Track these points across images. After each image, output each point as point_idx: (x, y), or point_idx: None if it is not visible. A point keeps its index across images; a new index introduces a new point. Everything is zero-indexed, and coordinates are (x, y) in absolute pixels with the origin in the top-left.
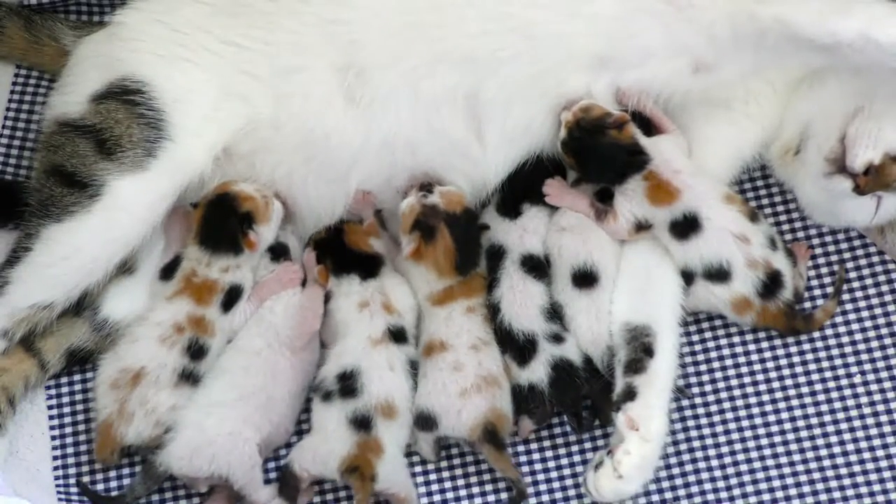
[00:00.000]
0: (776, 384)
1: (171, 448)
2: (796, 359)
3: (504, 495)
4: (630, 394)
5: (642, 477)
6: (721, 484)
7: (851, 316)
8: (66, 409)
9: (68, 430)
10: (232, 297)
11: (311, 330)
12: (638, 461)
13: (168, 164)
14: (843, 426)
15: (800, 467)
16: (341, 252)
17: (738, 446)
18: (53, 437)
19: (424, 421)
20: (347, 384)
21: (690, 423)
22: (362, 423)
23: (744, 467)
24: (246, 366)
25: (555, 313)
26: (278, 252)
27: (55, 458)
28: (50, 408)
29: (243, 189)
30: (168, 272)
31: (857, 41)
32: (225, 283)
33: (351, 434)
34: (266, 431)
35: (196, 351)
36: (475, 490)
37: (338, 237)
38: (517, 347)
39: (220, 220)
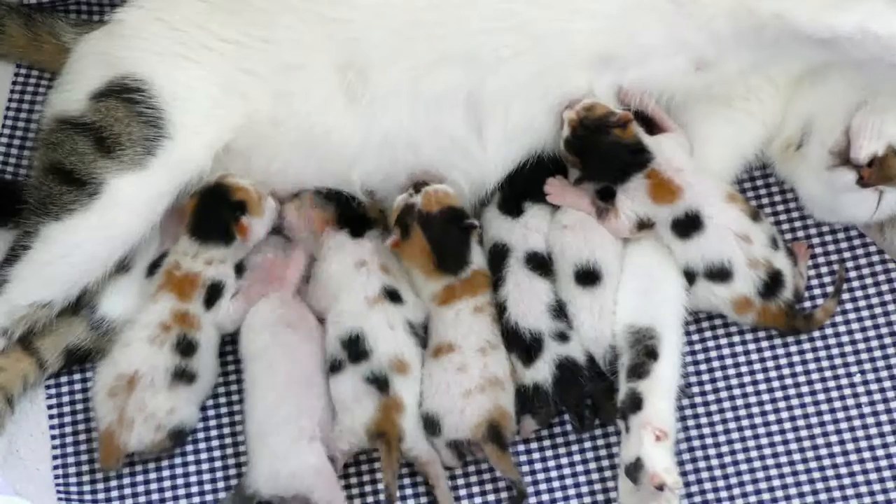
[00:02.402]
0: (776, 384)
1: (255, 472)
2: (796, 359)
3: (504, 495)
4: (636, 400)
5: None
6: (721, 484)
7: (851, 316)
8: (66, 409)
9: (68, 429)
10: (213, 295)
11: (295, 275)
12: (673, 467)
13: (167, 162)
14: (843, 426)
15: (800, 467)
16: (342, 205)
17: (738, 446)
18: (53, 437)
19: (428, 424)
20: (355, 349)
21: (690, 422)
22: (379, 383)
23: (744, 467)
24: (266, 366)
25: (561, 311)
26: (241, 269)
27: (55, 457)
28: (50, 407)
29: (238, 181)
30: (154, 269)
31: (856, 35)
32: (206, 278)
33: (370, 396)
34: (318, 411)
35: (186, 347)
36: (475, 490)
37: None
38: (524, 346)
39: (212, 208)
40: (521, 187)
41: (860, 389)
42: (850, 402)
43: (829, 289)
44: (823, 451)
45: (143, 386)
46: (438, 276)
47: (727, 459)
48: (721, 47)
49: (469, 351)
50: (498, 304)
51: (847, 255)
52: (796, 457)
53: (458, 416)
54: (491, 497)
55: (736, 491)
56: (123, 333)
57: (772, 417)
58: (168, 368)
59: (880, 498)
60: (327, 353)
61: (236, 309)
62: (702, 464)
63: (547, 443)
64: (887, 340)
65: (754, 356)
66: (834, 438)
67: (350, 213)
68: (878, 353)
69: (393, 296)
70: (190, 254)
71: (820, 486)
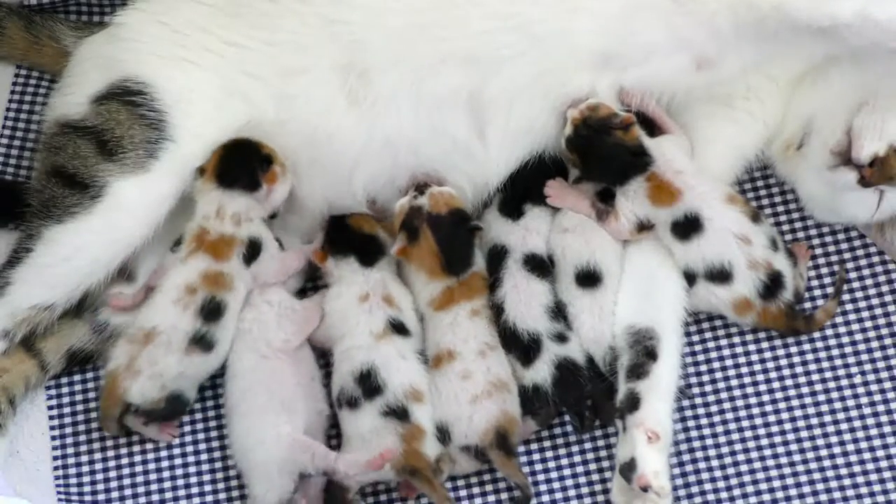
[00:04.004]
0: (776, 384)
1: (257, 488)
2: (796, 359)
3: (504, 496)
4: (633, 400)
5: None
6: (721, 484)
7: (851, 316)
8: (66, 410)
9: (68, 430)
10: (254, 251)
11: (311, 327)
12: (664, 471)
13: (169, 165)
14: (843, 426)
15: (800, 467)
16: (341, 232)
17: (738, 446)
18: (53, 438)
19: (437, 433)
20: (368, 384)
21: (690, 423)
22: (398, 414)
23: (744, 467)
24: (244, 388)
25: (559, 312)
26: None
27: (55, 458)
28: (50, 408)
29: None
30: (178, 244)
31: (856, 21)
32: (242, 235)
33: (390, 429)
34: (301, 422)
35: (212, 310)
36: (475, 490)
37: (342, 220)
38: (522, 347)
39: (242, 156)
40: (522, 189)
41: (860, 390)
42: (850, 402)
43: (830, 290)
44: (823, 452)
45: (158, 343)
46: (441, 277)
47: (727, 460)
48: (722, 44)
49: (469, 356)
50: (496, 305)
51: (847, 255)
52: (796, 457)
53: (466, 423)
54: (491, 498)
55: (736, 491)
56: (151, 295)
57: (772, 418)
58: (187, 332)
59: (880, 498)
60: (338, 386)
61: (275, 264)
62: (702, 464)
63: (547, 443)
64: (887, 341)
65: (754, 357)
66: (834, 439)
67: (356, 237)
68: (878, 354)
69: (399, 328)
70: (212, 214)
71: (820, 486)
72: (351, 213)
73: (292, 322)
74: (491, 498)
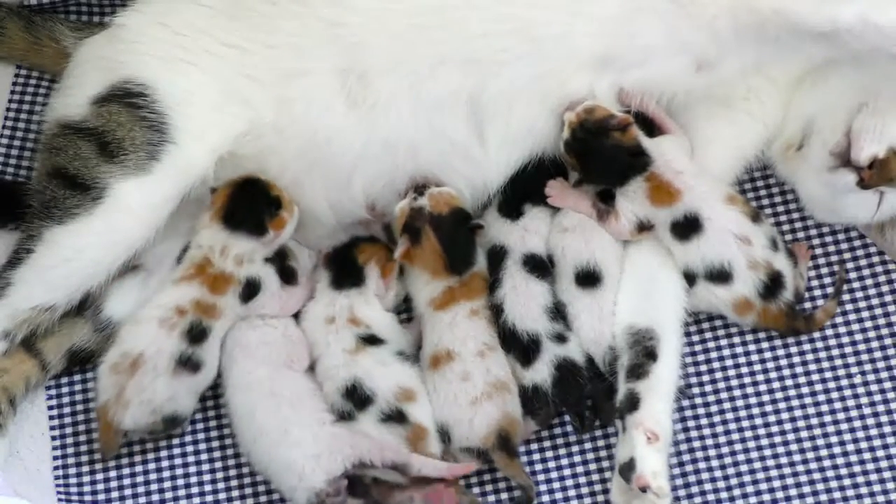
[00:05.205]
0: (776, 384)
1: (292, 478)
2: (796, 359)
3: (505, 496)
4: (633, 401)
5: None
6: (721, 484)
7: (851, 316)
8: (66, 410)
9: (68, 430)
10: (251, 291)
11: (305, 359)
12: (662, 472)
13: (171, 166)
14: (843, 426)
15: (800, 467)
16: (344, 248)
17: (738, 446)
18: (53, 438)
19: (438, 433)
20: (357, 397)
21: (690, 423)
22: (396, 418)
23: (744, 467)
24: (265, 393)
25: (558, 312)
26: (288, 274)
27: (55, 458)
28: (50, 408)
29: (270, 180)
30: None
31: (857, 26)
32: (241, 276)
33: (394, 434)
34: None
35: (197, 334)
36: (475, 491)
37: (357, 240)
38: (521, 348)
39: (249, 199)
40: (522, 190)
41: (860, 390)
42: (851, 402)
43: (830, 290)
44: (823, 452)
45: (144, 370)
46: (444, 277)
47: (727, 460)
48: (722, 46)
49: (469, 356)
50: (494, 305)
51: (847, 255)
52: (796, 457)
53: (466, 426)
54: (491, 498)
55: (736, 491)
56: (136, 312)
57: (772, 418)
58: (173, 354)
59: (880, 498)
60: (328, 403)
61: (274, 303)
62: (702, 464)
63: (547, 443)
64: (887, 341)
65: (754, 357)
66: (834, 439)
67: (344, 259)
68: (878, 354)
69: (371, 340)
70: (217, 248)
71: (820, 486)
72: (369, 238)
73: (293, 346)
74: (491, 498)
